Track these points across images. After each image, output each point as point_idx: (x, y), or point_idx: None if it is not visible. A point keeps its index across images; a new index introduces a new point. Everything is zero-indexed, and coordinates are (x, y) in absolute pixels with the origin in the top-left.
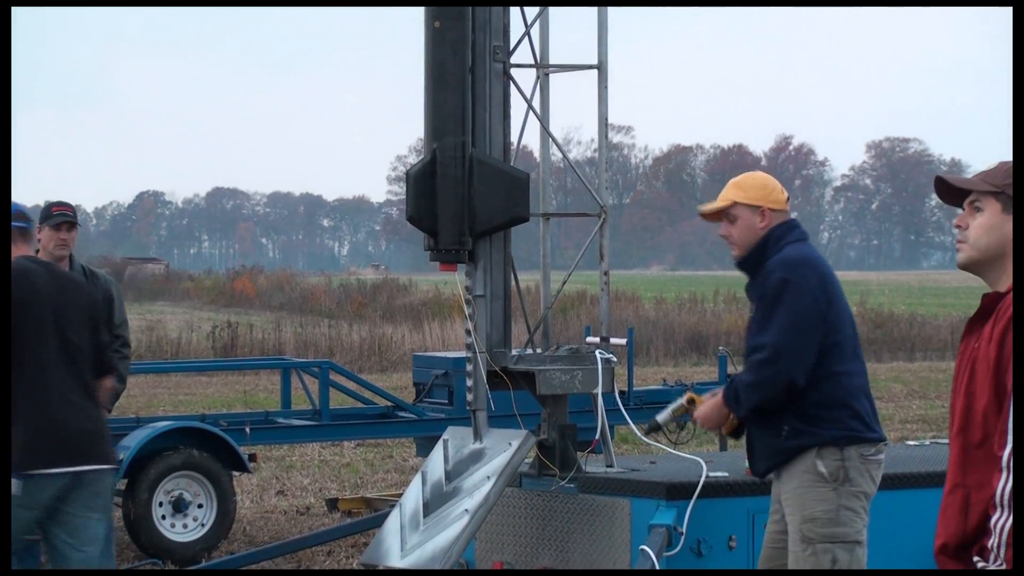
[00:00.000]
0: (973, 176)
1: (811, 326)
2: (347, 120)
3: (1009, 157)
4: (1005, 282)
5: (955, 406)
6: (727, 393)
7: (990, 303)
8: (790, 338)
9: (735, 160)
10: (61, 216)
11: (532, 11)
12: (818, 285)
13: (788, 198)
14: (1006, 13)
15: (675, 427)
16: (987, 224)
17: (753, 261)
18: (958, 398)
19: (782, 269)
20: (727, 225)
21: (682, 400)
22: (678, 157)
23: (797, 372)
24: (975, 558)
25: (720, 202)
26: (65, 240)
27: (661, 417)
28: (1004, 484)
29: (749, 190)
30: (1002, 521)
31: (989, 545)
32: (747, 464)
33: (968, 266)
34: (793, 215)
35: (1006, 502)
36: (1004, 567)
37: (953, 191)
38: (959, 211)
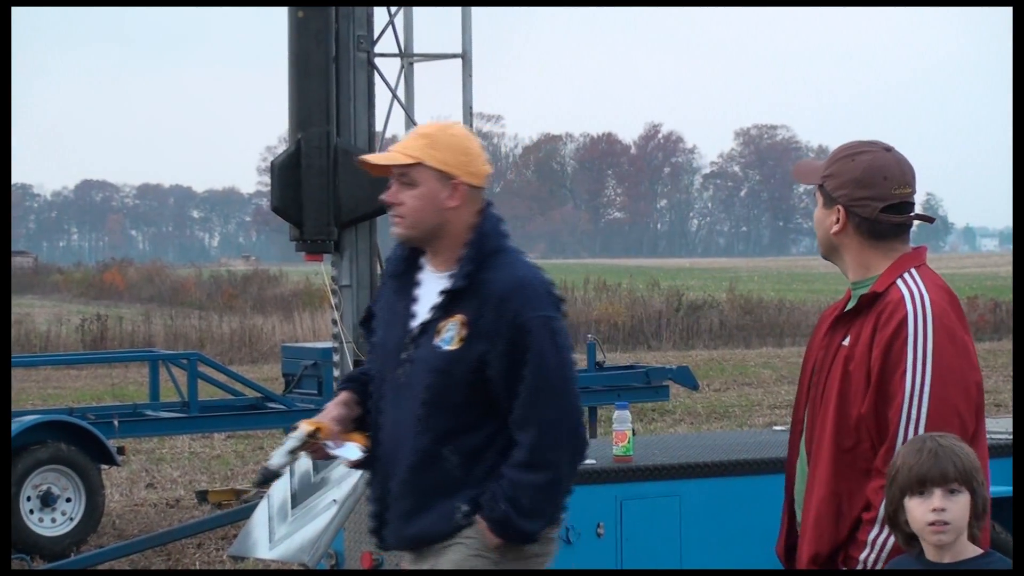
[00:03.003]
0: (817, 164)
1: (578, 389)
2: (216, 111)
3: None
4: (859, 273)
5: (818, 406)
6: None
7: (867, 302)
8: (575, 408)
9: (604, 148)
10: None
11: None
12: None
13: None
14: None
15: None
16: (817, 217)
17: (428, 248)
18: (824, 399)
19: (537, 303)
20: (399, 188)
21: (301, 434)
22: (548, 146)
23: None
24: (842, 568)
25: (399, 155)
26: None
27: (277, 460)
28: None
29: (445, 150)
30: (883, 538)
31: (861, 558)
32: None
33: (825, 256)
34: (663, 203)
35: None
36: None
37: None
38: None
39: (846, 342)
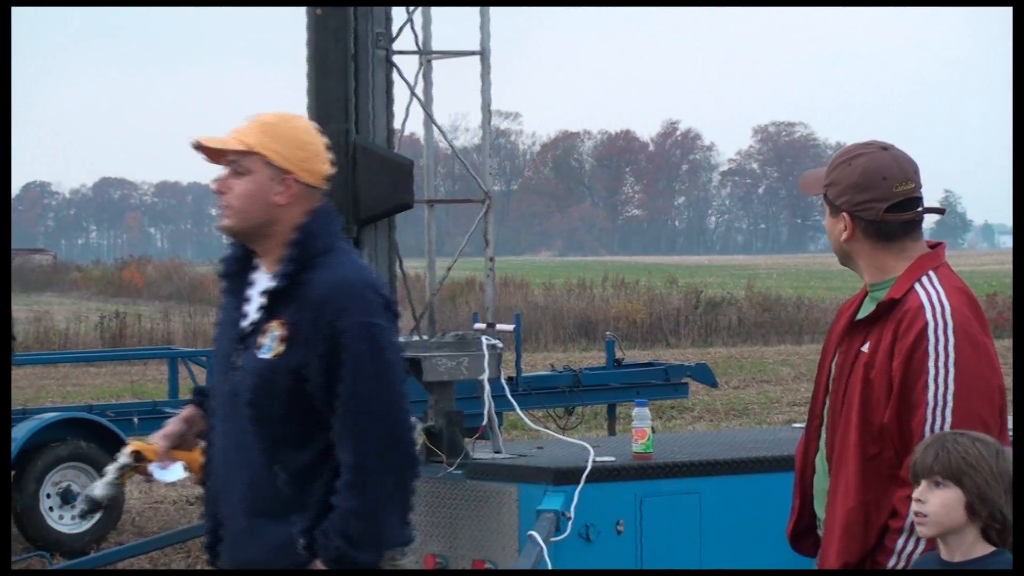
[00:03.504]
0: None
1: (407, 401)
2: (235, 109)
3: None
4: (876, 276)
5: (839, 412)
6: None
7: (885, 309)
8: (399, 422)
9: (622, 145)
10: None
11: None
12: (397, 331)
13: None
14: None
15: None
16: (827, 226)
17: (255, 246)
18: (846, 407)
19: (358, 307)
20: (229, 177)
21: (123, 458)
22: (566, 143)
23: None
24: None
25: (233, 140)
26: None
27: (100, 490)
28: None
29: (282, 142)
30: (910, 547)
31: (889, 565)
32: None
33: (842, 263)
34: (681, 200)
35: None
36: None
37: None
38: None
39: (865, 348)
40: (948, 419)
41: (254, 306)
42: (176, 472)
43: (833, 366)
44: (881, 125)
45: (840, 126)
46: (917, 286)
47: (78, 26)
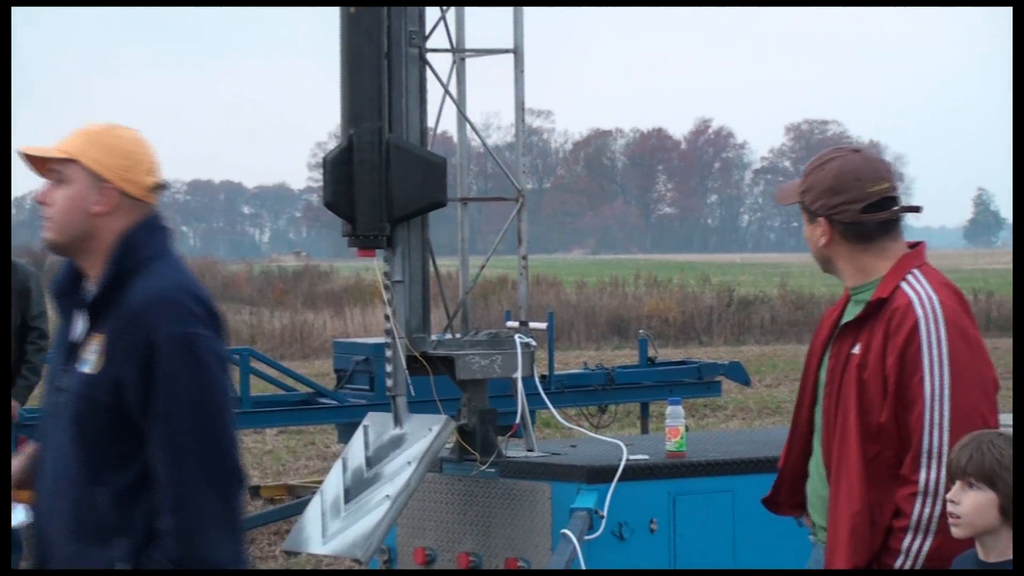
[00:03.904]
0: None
1: (229, 414)
2: (266, 107)
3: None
4: (858, 279)
5: (834, 417)
6: None
7: (873, 309)
8: (220, 438)
9: (655, 144)
10: None
11: None
12: (222, 342)
13: (156, 189)
14: None
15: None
16: (806, 235)
17: (80, 260)
18: (842, 410)
19: (176, 318)
20: (51, 187)
21: None
22: (598, 141)
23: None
24: None
25: (54, 149)
26: None
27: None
28: (925, 510)
29: (103, 151)
30: (918, 545)
31: (897, 565)
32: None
33: (824, 270)
34: (713, 198)
35: (924, 527)
36: None
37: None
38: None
39: (856, 350)
40: (947, 413)
41: (80, 322)
42: (18, 515)
43: (822, 373)
44: (914, 122)
45: (873, 123)
46: (904, 284)
47: (112, 26)
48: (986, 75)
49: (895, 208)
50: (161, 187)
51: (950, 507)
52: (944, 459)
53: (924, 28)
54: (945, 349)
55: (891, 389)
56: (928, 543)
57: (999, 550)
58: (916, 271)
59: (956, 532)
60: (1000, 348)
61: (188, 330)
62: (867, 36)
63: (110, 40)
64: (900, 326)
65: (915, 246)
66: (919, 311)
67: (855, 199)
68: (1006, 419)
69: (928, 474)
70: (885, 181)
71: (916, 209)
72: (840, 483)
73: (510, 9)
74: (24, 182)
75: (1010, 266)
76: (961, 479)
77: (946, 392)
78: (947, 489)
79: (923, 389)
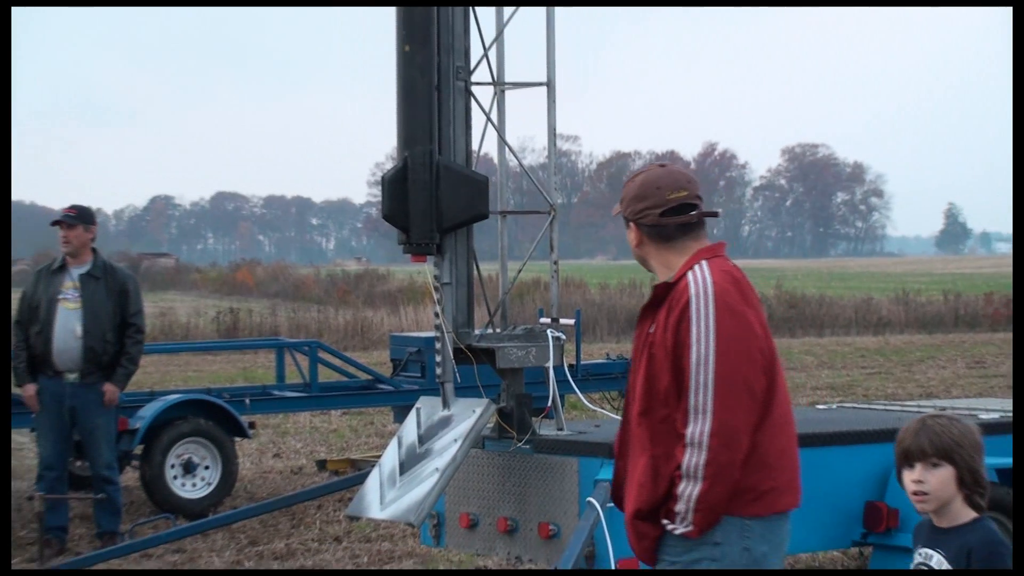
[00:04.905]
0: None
1: None
2: (332, 131)
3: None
4: (664, 274)
5: (635, 385)
6: None
7: (662, 292)
8: None
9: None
10: (61, 216)
11: (490, 35)
12: None
13: None
14: (911, 21)
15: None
16: (627, 240)
17: None
18: (638, 379)
19: None
20: None
21: None
22: (619, 162)
23: None
24: (663, 520)
25: None
26: (66, 237)
27: None
28: (692, 459)
29: None
30: (689, 490)
31: (677, 510)
32: None
33: (648, 269)
34: (718, 211)
35: (692, 474)
36: (692, 529)
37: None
38: (861, 207)
39: (652, 329)
40: (711, 375)
41: None
42: None
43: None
44: (890, 147)
45: (857, 147)
46: (688, 272)
47: (198, 56)
48: (960, 103)
49: (692, 212)
50: None
51: (917, 487)
52: (709, 415)
53: (903, 58)
54: (712, 322)
55: (670, 357)
56: (697, 488)
57: (950, 516)
58: (704, 262)
59: (923, 507)
60: (967, 342)
61: None
62: (853, 70)
63: (196, 66)
64: (677, 304)
65: (713, 245)
66: (692, 290)
67: (655, 204)
68: (996, 403)
69: (695, 427)
70: (684, 189)
71: (715, 214)
72: (635, 443)
73: (544, 46)
74: (123, 196)
75: (976, 271)
76: (923, 461)
77: (711, 357)
78: (717, 441)
79: (690, 355)
